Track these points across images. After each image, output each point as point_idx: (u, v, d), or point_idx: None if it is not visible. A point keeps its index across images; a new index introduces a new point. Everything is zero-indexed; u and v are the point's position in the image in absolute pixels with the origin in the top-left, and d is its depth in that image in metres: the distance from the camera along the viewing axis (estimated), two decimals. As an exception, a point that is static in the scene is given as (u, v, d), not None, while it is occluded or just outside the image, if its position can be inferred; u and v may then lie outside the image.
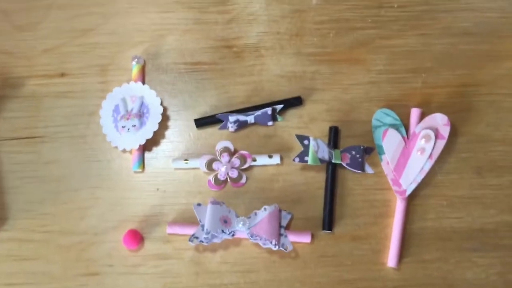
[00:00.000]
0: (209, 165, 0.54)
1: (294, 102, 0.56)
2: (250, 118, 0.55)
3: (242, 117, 0.54)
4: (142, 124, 0.54)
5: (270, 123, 0.55)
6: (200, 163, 0.54)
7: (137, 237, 0.53)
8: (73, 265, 0.53)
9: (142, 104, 0.55)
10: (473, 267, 0.53)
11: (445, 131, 0.54)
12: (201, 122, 0.56)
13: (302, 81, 0.57)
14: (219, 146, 0.54)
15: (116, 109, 0.55)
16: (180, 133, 0.56)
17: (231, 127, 0.55)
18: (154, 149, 0.56)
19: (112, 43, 0.57)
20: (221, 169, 0.54)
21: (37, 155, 0.56)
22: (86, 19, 0.58)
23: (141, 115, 0.54)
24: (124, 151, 0.55)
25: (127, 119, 0.54)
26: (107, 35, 0.57)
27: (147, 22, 0.58)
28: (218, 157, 0.54)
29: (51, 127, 0.56)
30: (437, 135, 0.53)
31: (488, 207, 0.54)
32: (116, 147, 0.54)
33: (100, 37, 0.57)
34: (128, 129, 0.54)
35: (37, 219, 0.54)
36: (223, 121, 0.55)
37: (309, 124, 0.56)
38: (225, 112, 0.55)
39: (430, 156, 0.53)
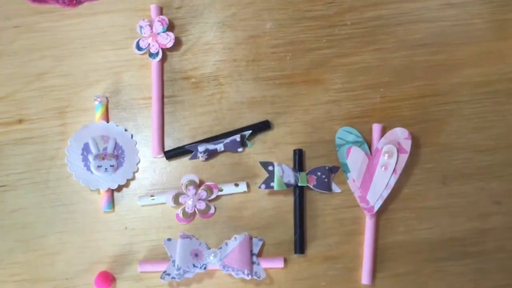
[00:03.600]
0: (175, 200, 0.54)
1: (262, 127, 0.56)
2: (220, 146, 0.55)
3: (211, 146, 0.54)
4: (119, 164, 0.54)
5: (240, 149, 0.55)
6: (166, 199, 0.54)
7: (108, 279, 0.52)
8: (46, 313, 0.53)
9: (116, 145, 0.55)
10: (446, 277, 0.54)
11: (406, 145, 0.54)
12: (171, 154, 0.55)
13: (263, 106, 0.57)
14: (184, 179, 0.54)
15: (86, 148, 0.54)
16: (145, 169, 0.56)
17: (201, 156, 0.54)
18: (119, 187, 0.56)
19: (68, 85, 0.57)
20: (188, 202, 0.54)
21: (1, 204, 0.55)
22: (39, 63, 0.57)
23: (118, 155, 0.54)
24: (98, 191, 0.55)
25: (103, 158, 0.54)
26: (62, 77, 0.57)
27: (102, 61, 0.57)
28: (184, 191, 0.54)
29: (13, 175, 0.55)
30: (399, 150, 0.54)
31: (456, 216, 0.55)
32: (87, 187, 0.54)
33: (55, 80, 0.57)
34: (106, 169, 0.54)
35: (7, 269, 0.54)
36: (193, 152, 0.55)
37: (273, 148, 0.56)
38: (194, 143, 0.55)
39: (394, 171, 0.54)
